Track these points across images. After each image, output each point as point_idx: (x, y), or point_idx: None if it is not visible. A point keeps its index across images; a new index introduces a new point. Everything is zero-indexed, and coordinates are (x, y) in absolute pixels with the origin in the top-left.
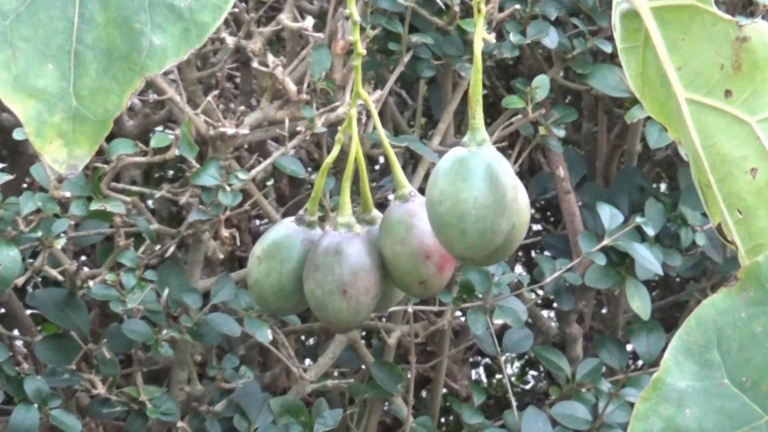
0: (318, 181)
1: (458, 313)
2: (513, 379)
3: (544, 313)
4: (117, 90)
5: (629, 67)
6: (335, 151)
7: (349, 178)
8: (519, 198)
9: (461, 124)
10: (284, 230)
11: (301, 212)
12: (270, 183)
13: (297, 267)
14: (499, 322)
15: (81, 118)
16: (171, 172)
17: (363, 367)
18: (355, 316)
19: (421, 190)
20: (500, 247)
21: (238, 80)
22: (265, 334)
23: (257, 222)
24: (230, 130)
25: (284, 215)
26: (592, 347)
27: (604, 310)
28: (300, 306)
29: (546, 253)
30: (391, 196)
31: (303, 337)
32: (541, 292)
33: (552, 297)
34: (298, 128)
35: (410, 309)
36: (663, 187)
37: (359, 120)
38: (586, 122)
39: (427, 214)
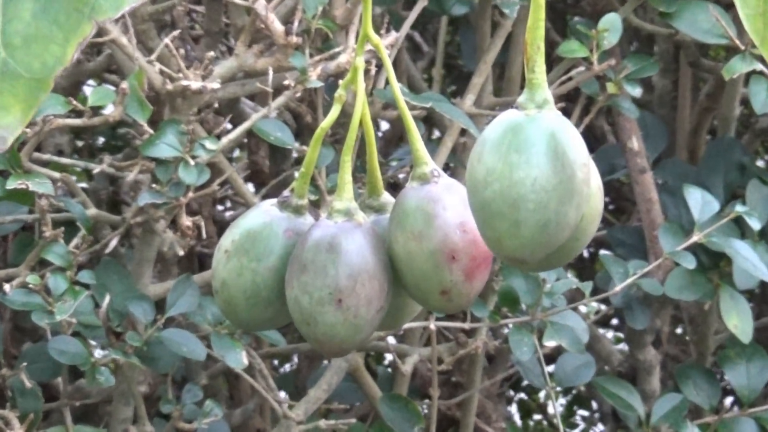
0: (310, 153)
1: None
2: (556, 420)
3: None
4: (59, 38)
5: (746, 4)
6: (334, 112)
7: (352, 150)
8: (591, 180)
9: (502, 80)
10: (262, 217)
11: (286, 193)
12: (236, 154)
13: (278, 266)
14: (551, 344)
15: (11, 75)
16: (112, 141)
17: (366, 402)
18: (352, 334)
19: (446, 170)
20: (564, 246)
21: (203, 17)
22: (238, 358)
23: (224, 207)
24: (195, 84)
25: (265, 199)
26: (672, 379)
27: (679, 330)
28: (280, 318)
29: (611, 252)
30: (404, 175)
31: (276, 362)
32: (600, 305)
33: (612, 312)
34: (286, 82)
35: (432, 326)
36: None
37: (366, 72)
38: (660, 78)
39: (467, 200)
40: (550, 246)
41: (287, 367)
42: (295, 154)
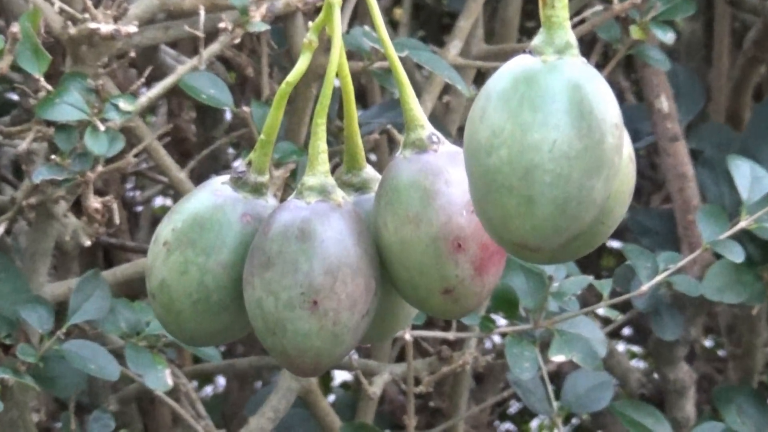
0: (273, 115)
1: (487, 343)
2: None
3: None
4: None
5: None
6: (303, 63)
7: (325, 112)
8: (623, 146)
9: (494, 22)
10: (212, 198)
11: (240, 166)
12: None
13: (233, 261)
14: (558, 359)
15: None
16: None
17: None
18: (331, 346)
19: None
20: (587, 231)
21: None
22: (161, 379)
23: (131, 186)
24: (105, 27)
25: (199, 177)
26: (709, 403)
27: (707, 341)
28: (236, 328)
29: (624, 242)
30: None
31: (196, 382)
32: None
33: (626, 319)
34: (221, 25)
35: (407, 335)
36: None
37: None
38: (688, 22)
39: (464, 170)
40: (569, 230)
41: (208, 389)
42: (229, 117)
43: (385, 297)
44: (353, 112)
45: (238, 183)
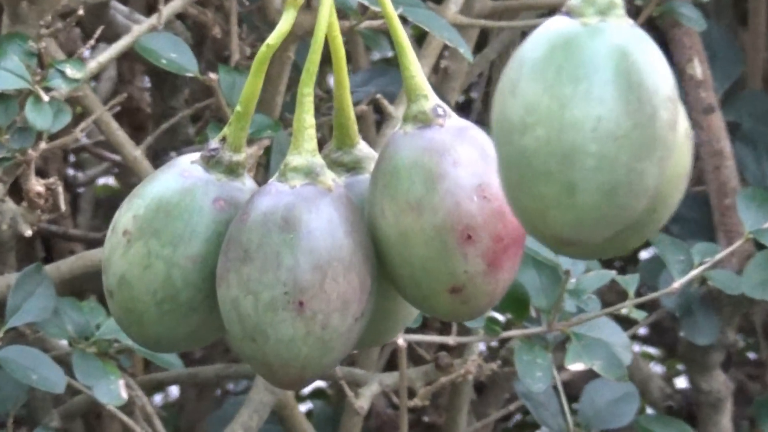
0: (251, 83)
1: (481, 346)
2: None
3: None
4: None
5: None
6: (286, 22)
7: (313, 80)
8: (679, 123)
9: None
10: (179, 180)
11: (213, 144)
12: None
13: (205, 253)
14: (576, 368)
15: None
16: None
17: None
18: (319, 354)
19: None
20: (637, 222)
21: None
22: (114, 391)
23: (75, 169)
24: None
25: (157, 155)
26: (747, 418)
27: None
28: (206, 331)
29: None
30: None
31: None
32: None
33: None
34: None
35: (401, 340)
36: None
37: None
38: None
39: (490, 153)
40: (617, 221)
41: (157, 397)
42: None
43: (382, 296)
44: (344, 80)
45: (211, 162)
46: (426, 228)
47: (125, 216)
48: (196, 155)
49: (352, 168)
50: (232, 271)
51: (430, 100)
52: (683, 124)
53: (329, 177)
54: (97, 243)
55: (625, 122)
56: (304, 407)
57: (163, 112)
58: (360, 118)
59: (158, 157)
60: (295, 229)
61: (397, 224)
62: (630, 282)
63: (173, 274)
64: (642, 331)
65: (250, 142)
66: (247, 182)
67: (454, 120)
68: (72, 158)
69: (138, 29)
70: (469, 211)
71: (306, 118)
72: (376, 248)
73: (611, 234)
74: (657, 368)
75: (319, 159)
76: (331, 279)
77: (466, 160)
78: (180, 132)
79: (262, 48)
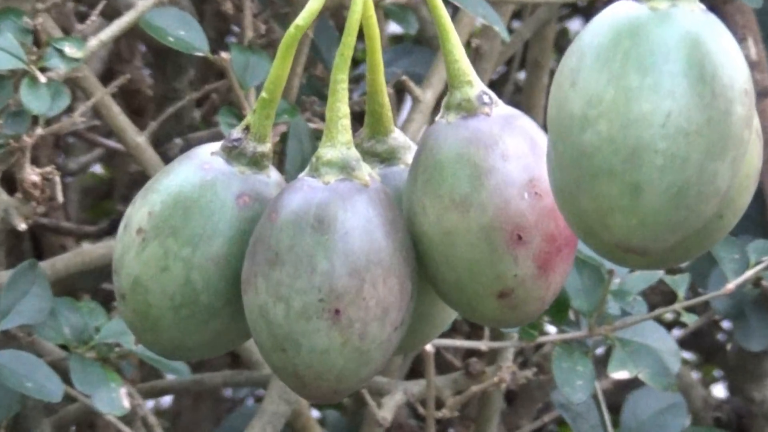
0: (278, 67)
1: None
2: None
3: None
4: None
5: None
6: (316, 1)
7: (347, 65)
8: (753, 117)
9: None
10: (199, 173)
11: (236, 133)
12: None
13: (228, 254)
14: (620, 376)
15: None
16: None
17: None
18: (356, 365)
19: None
20: (701, 230)
21: None
22: (116, 400)
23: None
24: None
25: (158, 141)
26: None
27: None
28: (228, 339)
29: None
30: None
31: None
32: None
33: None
34: None
35: (429, 346)
36: None
37: None
38: None
39: (525, 140)
40: (684, 227)
41: (148, 403)
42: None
43: (420, 300)
44: (379, 63)
45: (233, 153)
46: (472, 227)
47: (139, 212)
48: (216, 145)
49: (386, 158)
50: (260, 276)
51: (475, 86)
52: (756, 121)
53: (366, 171)
54: (91, 237)
55: (698, 118)
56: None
57: (166, 94)
58: None
59: (160, 144)
60: (330, 230)
61: (441, 223)
62: (680, 282)
63: (192, 276)
64: (674, 333)
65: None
66: (273, 175)
67: (502, 108)
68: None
69: (143, 4)
70: (519, 210)
71: (340, 107)
72: (416, 249)
73: (677, 241)
74: (693, 374)
75: (355, 152)
76: (370, 284)
77: (515, 153)
78: (185, 116)
79: (291, 29)
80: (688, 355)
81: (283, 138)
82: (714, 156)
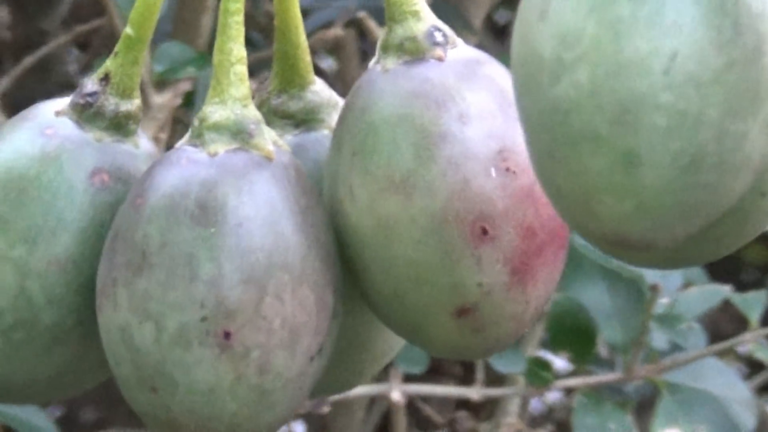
0: None
1: (535, 403)
2: None
3: None
4: None
5: None
6: None
7: None
8: None
9: None
10: (37, 140)
11: (90, 86)
12: None
13: (77, 255)
14: None
15: None
16: None
17: None
18: (255, 410)
19: None
20: (734, 212)
21: None
22: None
23: None
24: None
25: (18, 102)
26: None
27: None
28: (80, 374)
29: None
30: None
31: None
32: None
33: None
34: None
35: (396, 394)
36: None
37: None
38: None
39: (492, 94)
40: (701, 211)
41: None
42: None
43: (350, 317)
44: None
45: (86, 114)
46: (418, 218)
47: None
48: (63, 102)
49: (302, 121)
50: (120, 285)
51: (423, 20)
52: None
53: (269, 138)
54: None
55: (715, 60)
56: None
57: (29, 37)
58: (337, 47)
59: (21, 106)
60: (217, 221)
61: (374, 212)
62: (753, 303)
63: (29, 286)
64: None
65: (164, 85)
66: (142, 144)
67: (461, 50)
68: None
69: None
70: (483, 192)
71: (232, 48)
72: (341, 248)
73: (694, 231)
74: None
75: (254, 111)
76: (274, 297)
77: (478, 113)
78: (56, 69)
79: None
80: None
81: (187, 100)
82: (739, 113)
